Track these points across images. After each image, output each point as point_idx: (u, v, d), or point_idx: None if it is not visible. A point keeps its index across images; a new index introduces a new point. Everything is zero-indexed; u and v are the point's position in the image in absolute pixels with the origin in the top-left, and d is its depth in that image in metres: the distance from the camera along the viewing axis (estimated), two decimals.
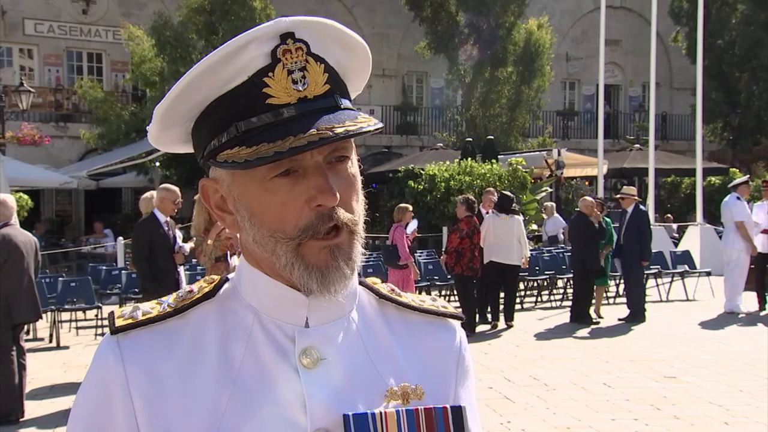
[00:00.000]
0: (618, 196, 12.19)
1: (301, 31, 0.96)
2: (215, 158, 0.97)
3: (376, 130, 0.95)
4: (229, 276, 1.08)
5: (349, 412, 0.97)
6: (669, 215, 22.20)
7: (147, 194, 7.56)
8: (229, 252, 6.85)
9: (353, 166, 1.01)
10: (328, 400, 0.97)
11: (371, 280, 1.12)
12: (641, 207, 11.28)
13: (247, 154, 0.93)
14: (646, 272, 12.32)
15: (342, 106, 0.98)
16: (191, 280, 8.95)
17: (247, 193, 0.98)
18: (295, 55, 0.95)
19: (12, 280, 6.12)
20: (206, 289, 1.04)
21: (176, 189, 7.21)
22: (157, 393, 0.97)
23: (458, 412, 1.03)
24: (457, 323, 1.14)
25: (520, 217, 10.97)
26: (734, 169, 24.15)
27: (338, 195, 0.95)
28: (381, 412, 0.98)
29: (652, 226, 12.01)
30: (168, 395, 0.97)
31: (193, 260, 9.61)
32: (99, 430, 0.99)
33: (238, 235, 1.05)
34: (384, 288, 1.12)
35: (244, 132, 0.95)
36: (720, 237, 16.42)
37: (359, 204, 1.01)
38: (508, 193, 10.98)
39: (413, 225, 10.62)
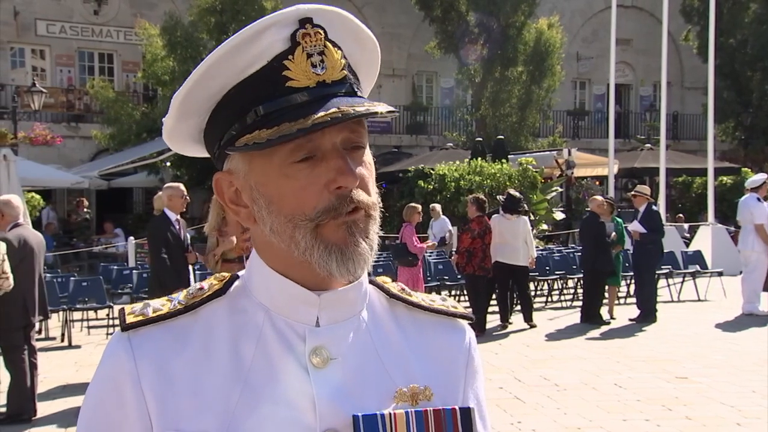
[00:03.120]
0: (631, 194, 12.10)
1: (318, 18, 0.97)
2: (233, 145, 0.97)
3: (392, 113, 0.97)
4: (240, 273, 1.07)
5: (359, 413, 0.97)
6: (681, 215, 22.08)
7: (161, 192, 7.65)
8: (245, 255, 6.86)
9: (368, 155, 1.02)
10: (338, 400, 0.97)
11: (382, 279, 1.12)
12: (653, 206, 11.20)
13: (269, 134, 0.93)
14: (657, 272, 12.27)
15: (359, 94, 1.00)
16: (201, 280, 8.96)
17: (265, 180, 0.98)
18: (314, 38, 0.96)
19: (27, 280, 6.17)
20: (216, 287, 1.04)
21: (180, 185, 7.27)
22: (168, 390, 0.97)
23: (467, 413, 1.03)
24: (466, 323, 1.14)
25: (527, 218, 10.89)
26: (746, 169, 24.00)
27: (357, 177, 0.96)
28: (390, 413, 0.98)
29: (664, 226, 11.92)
30: (178, 393, 0.97)
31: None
32: (112, 426, 0.99)
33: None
34: (394, 287, 1.11)
35: (264, 116, 0.96)
36: (732, 237, 16.39)
37: (374, 193, 1.02)
38: (517, 194, 10.88)
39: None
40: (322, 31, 0.97)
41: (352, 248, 0.97)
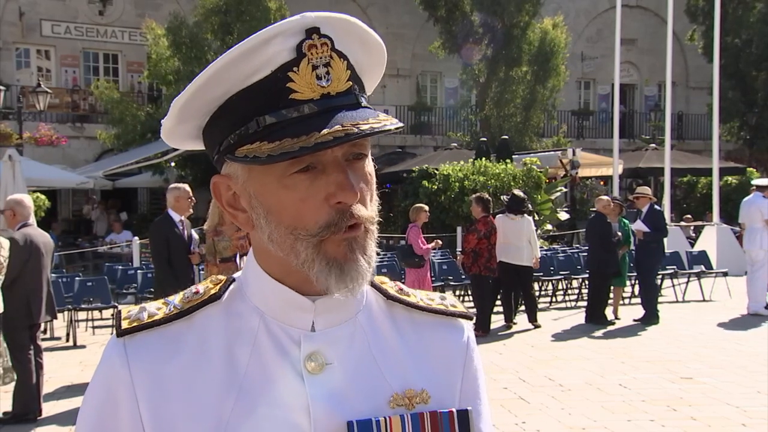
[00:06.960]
0: (632, 196, 12.10)
1: (325, 27, 0.95)
2: (233, 153, 0.96)
3: (397, 129, 0.95)
4: (235, 276, 1.06)
5: (353, 419, 0.96)
6: (689, 215, 21.99)
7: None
8: (239, 253, 6.86)
9: (369, 165, 1.01)
10: (333, 406, 0.97)
11: (379, 280, 1.10)
12: (656, 207, 11.18)
13: (270, 149, 0.91)
14: (662, 272, 12.25)
15: (363, 104, 0.98)
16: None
17: (264, 189, 0.97)
18: (320, 50, 0.94)
19: (33, 280, 6.19)
20: (212, 291, 1.03)
21: (185, 186, 7.25)
22: (162, 397, 0.97)
23: (464, 415, 1.02)
24: (466, 323, 1.12)
25: (531, 218, 10.86)
26: (751, 169, 23.96)
27: (358, 192, 0.95)
28: (385, 418, 0.97)
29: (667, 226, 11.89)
30: (173, 399, 0.96)
31: (209, 259, 9.62)
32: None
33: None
34: (392, 288, 1.10)
35: (266, 127, 0.94)
36: (737, 237, 16.33)
37: (374, 203, 1.00)
38: (520, 194, 10.85)
39: None
40: (328, 42, 0.95)
41: (351, 264, 0.96)
